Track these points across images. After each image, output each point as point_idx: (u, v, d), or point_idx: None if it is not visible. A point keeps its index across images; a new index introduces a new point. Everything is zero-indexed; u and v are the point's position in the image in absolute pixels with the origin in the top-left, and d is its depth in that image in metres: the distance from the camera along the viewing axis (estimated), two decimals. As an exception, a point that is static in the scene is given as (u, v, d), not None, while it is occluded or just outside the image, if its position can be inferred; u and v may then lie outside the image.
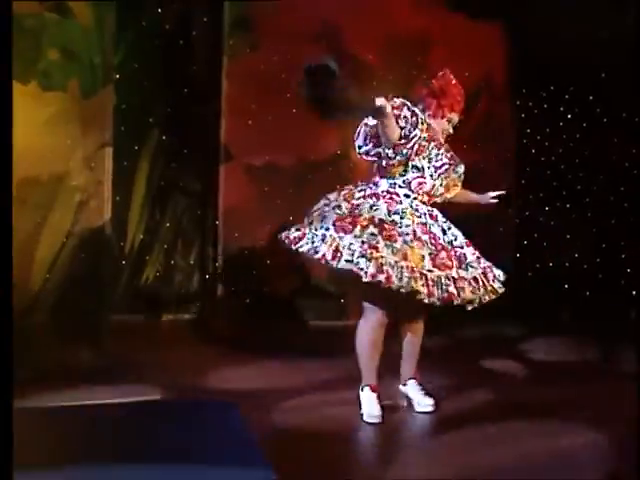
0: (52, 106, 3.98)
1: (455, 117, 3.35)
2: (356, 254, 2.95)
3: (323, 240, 3.03)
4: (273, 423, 3.06)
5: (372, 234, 3.01)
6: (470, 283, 3.15)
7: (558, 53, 5.17)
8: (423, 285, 2.97)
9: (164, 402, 3.34)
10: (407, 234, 3.07)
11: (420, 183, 3.21)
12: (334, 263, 2.96)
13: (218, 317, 5.21)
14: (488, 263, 3.29)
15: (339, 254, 2.97)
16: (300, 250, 3.07)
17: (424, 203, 3.24)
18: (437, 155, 3.23)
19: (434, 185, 3.24)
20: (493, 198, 3.59)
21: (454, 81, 3.37)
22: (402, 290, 2.93)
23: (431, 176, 3.22)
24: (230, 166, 5.37)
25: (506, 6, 5.38)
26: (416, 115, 3.19)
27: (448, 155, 3.31)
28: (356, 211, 3.11)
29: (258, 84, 5.22)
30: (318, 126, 5.04)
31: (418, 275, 2.98)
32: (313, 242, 3.04)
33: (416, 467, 2.74)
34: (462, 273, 3.15)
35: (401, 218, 3.12)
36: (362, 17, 5.27)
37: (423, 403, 3.28)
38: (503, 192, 3.59)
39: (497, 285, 3.25)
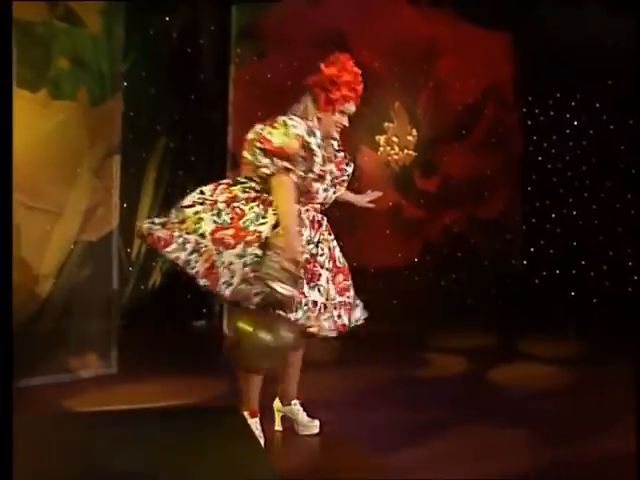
0: (61, 114, 3.97)
1: (351, 107, 2.89)
2: (236, 278, 2.64)
3: (197, 251, 2.66)
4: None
5: (256, 255, 2.65)
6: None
7: (564, 61, 5.24)
8: (326, 319, 2.76)
9: (170, 408, 3.35)
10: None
11: (309, 191, 2.83)
12: (205, 282, 2.63)
13: (225, 322, 5.23)
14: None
15: (215, 272, 2.64)
16: (169, 257, 2.67)
17: (316, 211, 2.91)
18: (332, 160, 2.91)
19: (326, 190, 2.90)
20: (369, 202, 3.31)
21: (350, 66, 2.89)
22: (299, 322, 2.68)
23: (329, 187, 2.89)
24: (237, 173, 5.39)
25: (513, 15, 5.41)
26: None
27: (340, 155, 3.00)
28: (240, 222, 2.69)
29: (265, 91, 5.25)
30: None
31: (321, 306, 2.75)
32: (185, 249, 2.65)
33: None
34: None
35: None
36: (369, 25, 5.31)
37: (309, 425, 3.07)
38: (379, 193, 3.31)
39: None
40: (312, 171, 2.72)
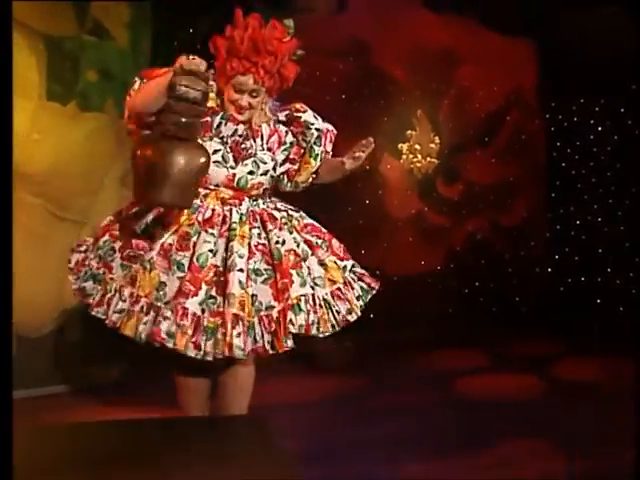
0: (89, 125, 4.08)
1: (247, 82, 2.36)
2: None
3: (94, 278, 2.37)
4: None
5: (112, 249, 2.39)
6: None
7: (587, 66, 5.26)
8: (238, 335, 2.25)
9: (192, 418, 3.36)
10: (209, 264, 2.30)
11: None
12: (97, 311, 2.33)
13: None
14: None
15: (107, 301, 2.33)
16: (73, 287, 2.40)
17: (225, 202, 2.40)
18: (231, 131, 2.42)
19: (234, 174, 2.40)
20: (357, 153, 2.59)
21: (249, 26, 2.34)
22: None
23: (224, 160, 2.39)
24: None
25: (535, 22, 5.45)
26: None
27: (242, 134, 2.44)
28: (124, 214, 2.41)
29: (288, 100, 5.33)
30: (346, 142, 5.12)
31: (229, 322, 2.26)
32: (85, 276, 2.38)
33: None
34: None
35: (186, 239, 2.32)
36: (391, 33, 5.36)
37: None
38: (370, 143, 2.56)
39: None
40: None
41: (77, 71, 3.96)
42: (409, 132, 5.62)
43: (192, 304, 2.27)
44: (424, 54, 5.45)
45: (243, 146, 2.43)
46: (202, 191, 2.39)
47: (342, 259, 2.52)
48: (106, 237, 2.40)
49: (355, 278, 2.52)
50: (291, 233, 2.44)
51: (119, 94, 4.23)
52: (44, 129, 3.86)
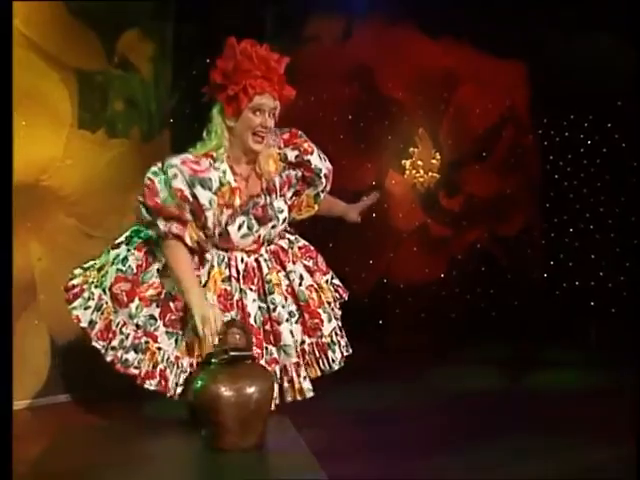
0: (116, 150, 4.26)
1: (267, 101, 2.24)
2: (128, 341, 2.19)
3: (98, 309, 2.22)
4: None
5: (151, 316, 2.21)
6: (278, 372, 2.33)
7: (576, 85, 5.37)
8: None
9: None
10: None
11: (228, 241, 2.34)
12: (150, 383, 2.16)
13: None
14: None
15: (110, 335, 2.20)
16: (73, 313, 2.26)
17: (249, 252, 2.35)
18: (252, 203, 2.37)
19: (259, 235, 2.38)
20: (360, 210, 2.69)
21: (250, 50, 2.22)
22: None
23: (249, 229, 2.35)
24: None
25: (527, 45, 5.60)
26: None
27: (264, 181, 2.40)
28: (140, 271, 2.23)
29: (296, 122, 5.55)
30: (353, 160, 5.36)
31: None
32: (88, 306, 2.23)
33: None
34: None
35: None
36: (393, 58, 5.53)
37: None
38: (374, 198, 2.72)
39: (306, 386, 2.37)
40: (207, 227, 2.21)
41: (105, 101, 4.18)
42: (412, 149, 5.75)
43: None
44: (424, 77, 5.62)
45: (269, 213, 2.38)
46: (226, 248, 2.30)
47: (325, 273, 2.55)
48: (136, 302, 2.21)
49: (332, 289, 2.56)
50: (294, 263, 2.43)
51: (142, 121, 4.54)
52: (76, 154, 4.06)
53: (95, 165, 4.20)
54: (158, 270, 2.25)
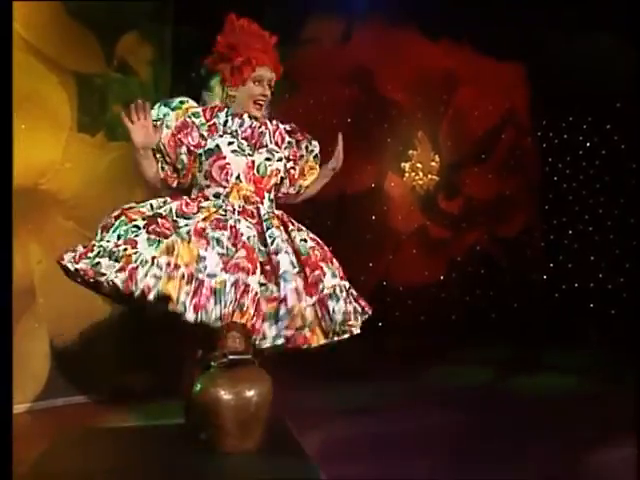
0: (115, 153, 4.25)
1: (265, 72, 2.44)
2: (106, 252, 2.16)
3: (110, 255, 2.14)
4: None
5: (135, 226, 2.19)
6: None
7: (575, 87, 5.41)
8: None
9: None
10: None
11: (221, 167, 2.36)
12: (116, 276, 2.07)
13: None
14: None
15: (87, 250, 2.18)
16: (78, 267, 2.15)
17: (248, 200, 2.36)
18: (239, 124, 2.43)
19: (253, 161, 2.39)
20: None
21: (249, 27, 2.45)
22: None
23: (241, 149, 2.38)
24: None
25: (526, 47, 5.63)
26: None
27: (257, 131, 2.44)
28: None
29: (296, 124, 5.56)
30: (354, 162, 5.36)
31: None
32: (98, 255, 2.16)
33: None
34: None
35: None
36: (392, 60, 5.57)
37: None
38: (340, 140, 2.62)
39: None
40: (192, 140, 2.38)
41: (104, 105, 4.18)
42: (411, 152, 5.79)
43: (253, 282, 2.17)
44: (423, 78, 5.66)
45: (260, 131, 2.44)
46: (223, 190, 2.35)
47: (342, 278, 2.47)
48: (122, 218, 2.24)
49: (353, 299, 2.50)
50: (306, 241, 2.40)
51: (141, 124, 4.55)
52: (75, 158, 4.07)
53: (94, 168, 4.21)
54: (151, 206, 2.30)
